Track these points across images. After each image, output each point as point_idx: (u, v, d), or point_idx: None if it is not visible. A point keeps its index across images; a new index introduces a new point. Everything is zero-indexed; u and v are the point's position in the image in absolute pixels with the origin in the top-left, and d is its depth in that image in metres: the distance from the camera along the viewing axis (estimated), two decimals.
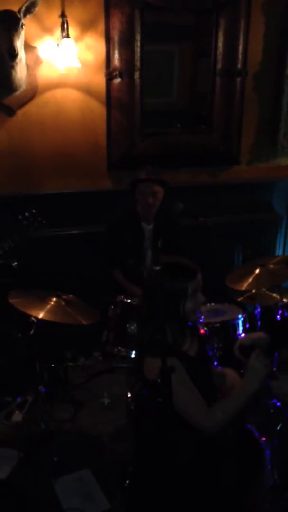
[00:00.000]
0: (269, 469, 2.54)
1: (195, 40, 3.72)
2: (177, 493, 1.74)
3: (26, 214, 2.95)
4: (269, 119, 3.84)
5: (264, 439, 2.55)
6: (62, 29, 3.13)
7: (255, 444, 2.15)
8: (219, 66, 3.54)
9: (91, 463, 2.66)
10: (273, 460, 2.60)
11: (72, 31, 3.17)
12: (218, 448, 1.84)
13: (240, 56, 3.53)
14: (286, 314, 2.84)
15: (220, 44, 3.50)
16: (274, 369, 1.77)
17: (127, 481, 2.09)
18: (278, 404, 2.96)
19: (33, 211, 2.95)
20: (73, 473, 2.60)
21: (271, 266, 2.78)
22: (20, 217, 2.95)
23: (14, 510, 2.34)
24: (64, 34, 3.12)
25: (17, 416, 3.01)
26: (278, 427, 2.87)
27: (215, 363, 2.81)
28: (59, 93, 3.33)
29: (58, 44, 3.15)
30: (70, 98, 3.36)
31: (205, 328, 2.81)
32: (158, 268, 1.53)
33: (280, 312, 2.84)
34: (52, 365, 3.36)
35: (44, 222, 2.99)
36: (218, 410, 1.76)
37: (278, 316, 2.88)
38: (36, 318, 2.54)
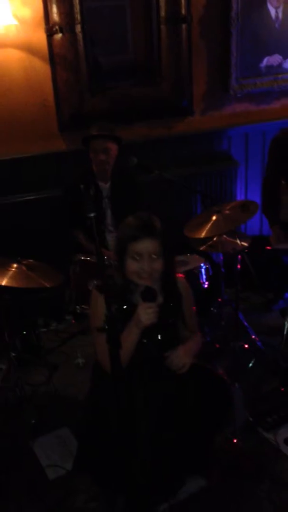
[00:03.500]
0: (241, 407, 2.63)
1: None
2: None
3: None
4: (219, 65, 3.78)
5: (232, 380, 2.63)
6: None
7: (223, 387, 2.20)
8: (162, 13, 3.45)
9: (69, 422, 2.70)
10: (244, 399, 2.69)
11: None
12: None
13: (182, 1, 3.43)
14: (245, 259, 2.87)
15: None
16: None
17: None
18: (246, 345, 3.05)
19: None
20: (51, 432, 2.64)
21: (227, 211, 2.78)
22: None
23: None
24: None
25: None
26: (250, 364, 2.96)
27: None
28: None
29: None
30: (12, 58, 3.25)
31: None
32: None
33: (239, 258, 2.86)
34: (24, 333, 3.37)
35: None
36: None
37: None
38: None
